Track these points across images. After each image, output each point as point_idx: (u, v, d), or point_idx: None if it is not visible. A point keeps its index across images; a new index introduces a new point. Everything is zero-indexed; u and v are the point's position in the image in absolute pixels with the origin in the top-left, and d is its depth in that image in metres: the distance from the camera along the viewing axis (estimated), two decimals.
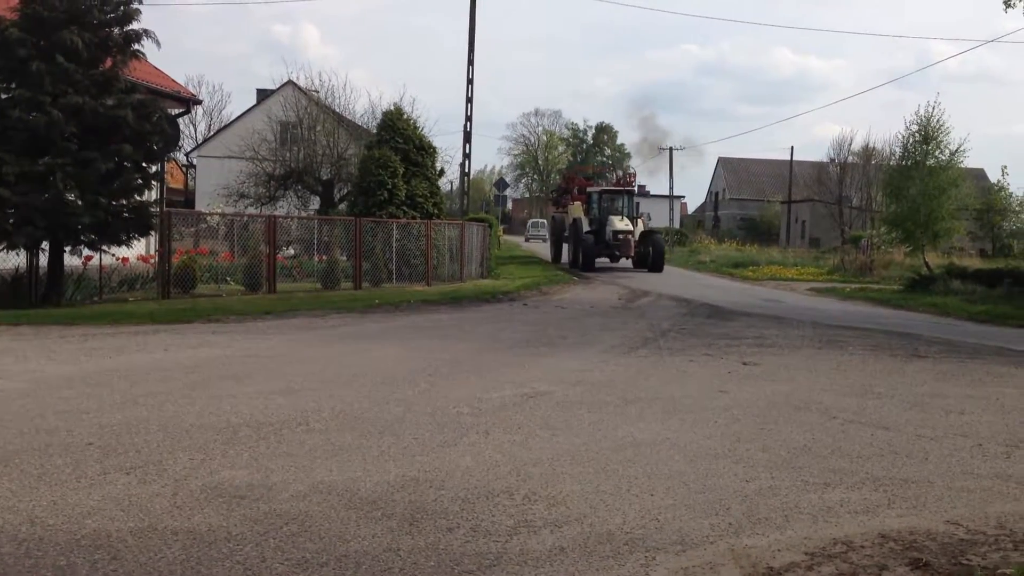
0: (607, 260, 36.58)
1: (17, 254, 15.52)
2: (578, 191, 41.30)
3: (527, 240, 71.34)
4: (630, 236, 35.73)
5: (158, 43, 16.42)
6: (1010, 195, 48.06)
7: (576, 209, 38.22)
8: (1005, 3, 23.03)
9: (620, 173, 60.67)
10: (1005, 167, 33.43)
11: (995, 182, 48.13)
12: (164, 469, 5.95)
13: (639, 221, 37.23)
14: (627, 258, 36.04)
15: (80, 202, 14.74)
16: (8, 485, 5.49)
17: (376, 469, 6.13)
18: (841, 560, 4.79)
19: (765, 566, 4.67)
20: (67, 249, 15.77)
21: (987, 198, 48.00)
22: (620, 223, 35.72)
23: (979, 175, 52.82)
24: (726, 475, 6.29)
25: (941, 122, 31.81)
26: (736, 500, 5.72)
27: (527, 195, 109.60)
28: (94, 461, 6.10)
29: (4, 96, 14.95)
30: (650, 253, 36.31)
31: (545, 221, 68.31)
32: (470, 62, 31.87)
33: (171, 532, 4.83)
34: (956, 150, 31.79)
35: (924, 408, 9.04)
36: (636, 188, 40.86)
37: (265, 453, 6.47)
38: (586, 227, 36.63)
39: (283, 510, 5.23)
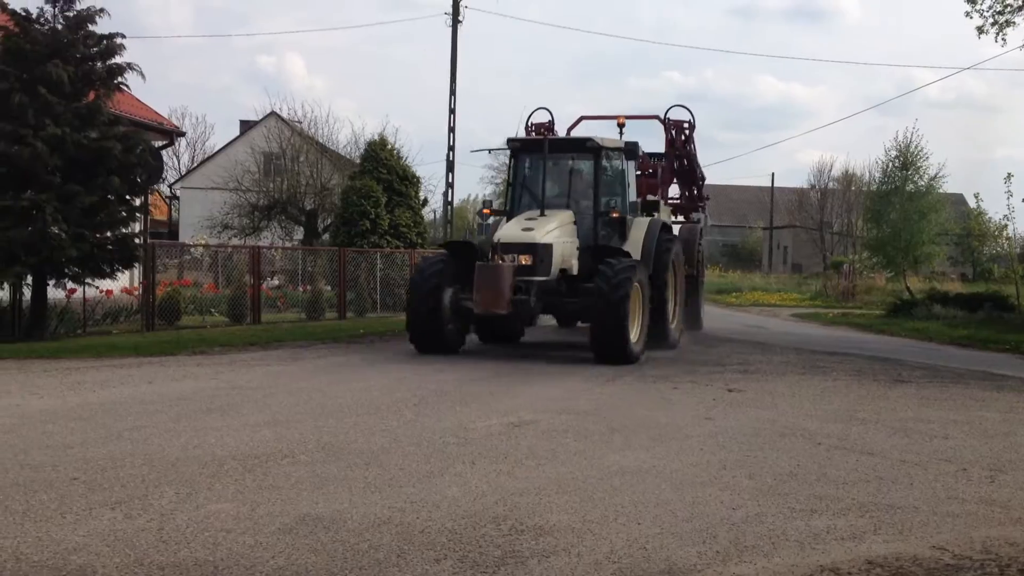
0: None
1: (2, 288, 15.44)
2: None
3: None
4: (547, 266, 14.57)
5: (143, 76, 16.46)
6: (989, 220, 48.43)
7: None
8: (978, 29, 23.38)
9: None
10: (978, 194, 33.93)
11: (974, 207, 48.52)
12: (150, 503, 5.92)
13: (634, 222, 16.39)
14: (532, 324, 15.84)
15: (64, 235, 14.69)
16: None
17: (362, 501, 6.12)
18: None
19: None
20: (51, 282, 15.70)
21: (967, 223, 48.38)
22: (526, 231, 14.76)
23: (958, 200, 53.23)
24: (712, 503, 6.31)
25: (920, 148, 32.20)
26: (723, 528, 5.73)
27: None
28: (79, 496, 6.06)
29: None
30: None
31: None
32: (452, 92, 32.04)
33: (157, 567, 4.80)
34: (935, 176, 32.17)
35: (908, 433, 9.08)
36: (624, 144, 16.77)
37: (251, 486, 6.45)
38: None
39: (269, 543, 5.21)
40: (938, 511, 6.26)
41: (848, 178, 66.22)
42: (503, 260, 14.07)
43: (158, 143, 23.50)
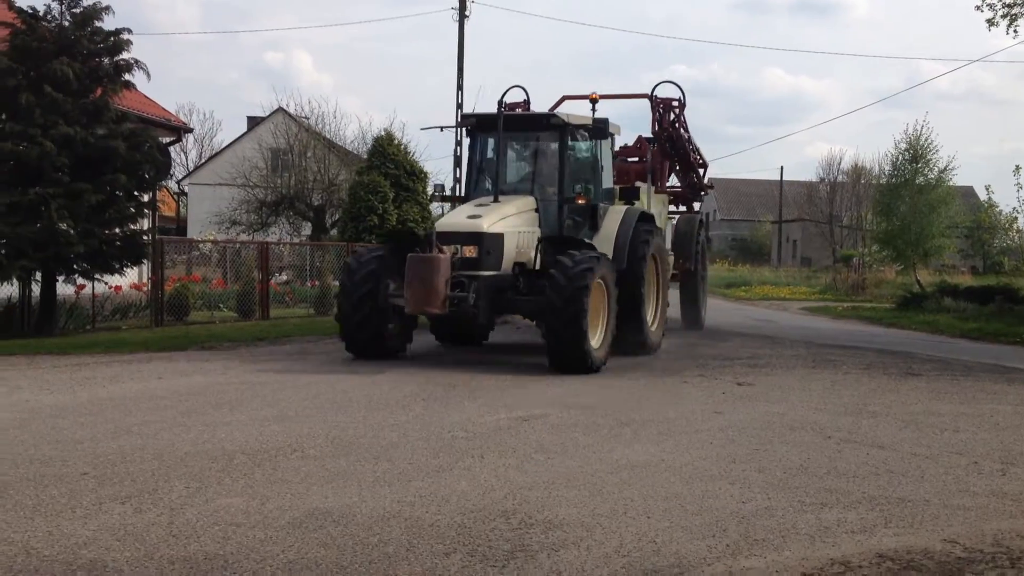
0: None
1: (10, 284, 15.48)
2: None
3: None
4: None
5: (148, 73, 16.45)
6: (999, 212, 48.25)
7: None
8: (988, 22, 23.25)
9: None
10: (989, 186, 33.92)
11: (984, 200, 48.34)
12: (160, 498, 5.93)
13: (608, 210, 14.87)
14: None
15: (72, 232, 14.72)
16: (3, 516, 5.47)
17: (372, 495, 6.12)
18: None
19: None
20: (60, 278, 15.74)
21: (977, 215, 48.23)
22: (469, 219, 13.14)
23: (968, 193, 53.09)
24: (722, 496, 6.29)
25: (930, 140, 32.07)
26: (733, 521, 5.71)
27: None
28: (89, 491, 6.07)
29: None
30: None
31: None
32: (459, 87, 31.97)
33: (167, 561, 4.81)
34: (945, 168, 32.04)
35: (919, 426, 9.05)
36: (591, 122, 14.49)
37: (260, 480, 6.45)
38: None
39: (279, 537, 5.22)
40: (949, 504, 6.24)
41: (857, 171, 66.06)
42: (442, 251, 12.25)
43: (166, 140, 23.53)
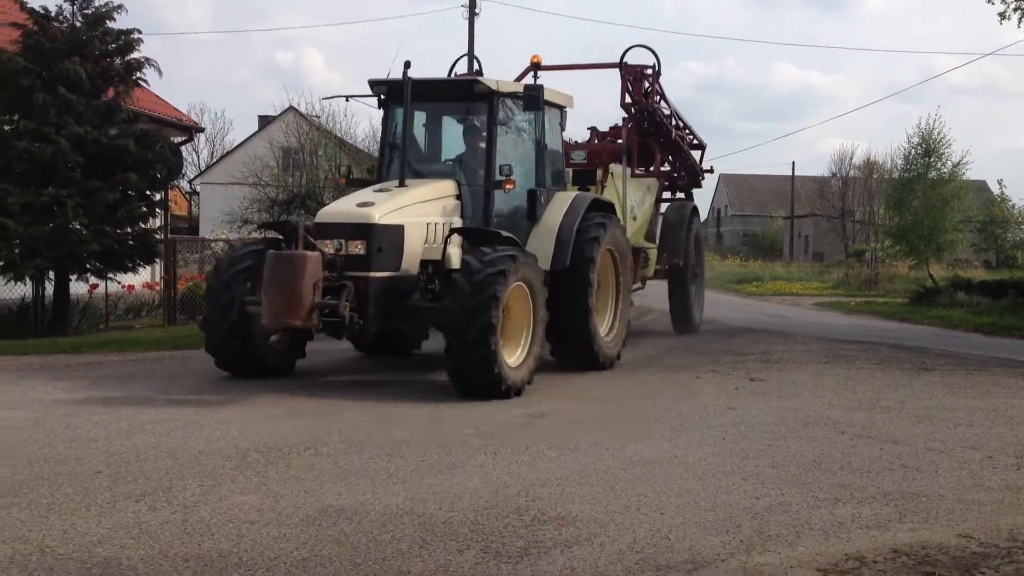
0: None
1: (24, 283, 15.55)
2: None
3: None
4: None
5: (160, 72, 16.52)
6: (1013, 206, 48.08)
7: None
8: (1000, 16, 23.11)
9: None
10: (1001, 180, 33.70)
11: (997, 194, 48.15)
12: (173, 496, 5.95)
13: (550, 198, 12.29)
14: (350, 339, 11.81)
15: (85, 231, 14.78)
16: (18, 515, 5.50)
17: (385, 492, 6.12)
18: (853, 575, 4.77)
19: None
20: (73, 277, 15.81)
21: (990, 209, 48.06)
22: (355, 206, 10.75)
23: (981, 187, 52.91)
24: (736, 492, 6.28)
25: (943, 135, 31.93)
26: (747, 517, 5.70)
27: None
28: (103, 489, 6.10)
29: (7, 127, 15.02)
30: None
31: None
32: None
33: (182, 559, 4.83)
34: (958, 163, 31.90)
35: (933, 421, 9.02)
36: (523, 89, 11.82)
37: (274, 478, 6.47)
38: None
39: (293, 535, 5.23)
40: (964, 499, 6.22)
41: (870, 166, 65.74)
42: (316, 248, 9.82)
43: (177, 139, 23.57)
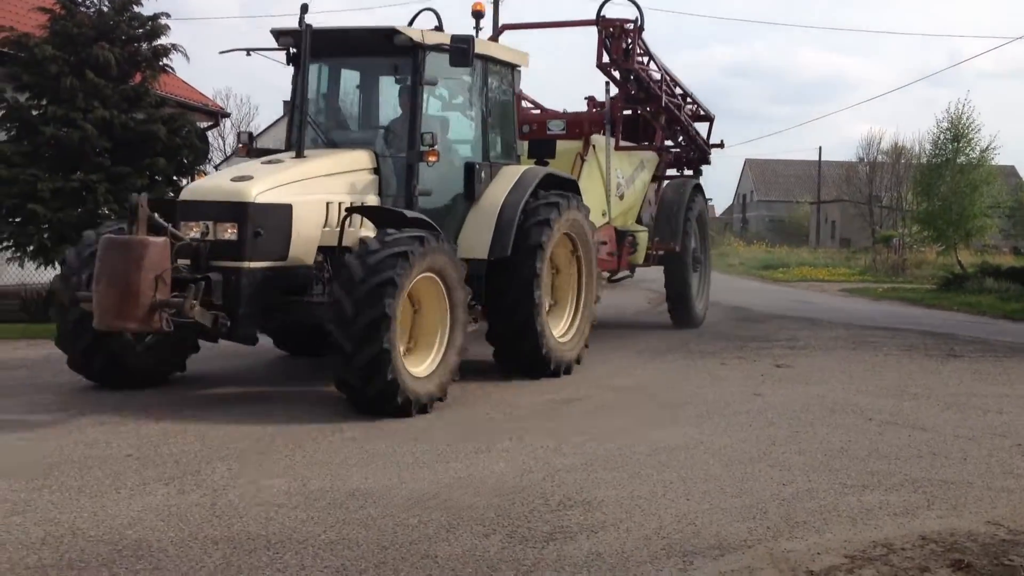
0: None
1: (53, 268, 15.68)
2: None
3: None
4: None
5: (187, 57, 16.62)
6: None
7: None
8: None
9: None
10: None
11: None
12: (202, 479, 6.00)
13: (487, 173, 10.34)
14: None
15: (114, 216, 14.88)
16: (49, 497, 5.56)
17: (410, 476, 6.15)
18: (881, 563, 4.76)
19: (805, 570, 4.65)
20: None
21: (1019, 195, 47.51)
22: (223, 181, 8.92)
23: (1010, 172, 52.38)
24: (762, 479, 6.26)
25: (971, 119, 31.60)
26: (773, 504, 5.69)
27: None
28: (133, 472, 6.15)
29: (36, 112, 15.13)
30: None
31: None
32: None
33: (211, 541, 4.87)
34: (987, 148, 31.58)
35: (961, 408, 8.95)
36: (449, 41, 9.44)
37: (301, 461, 6.51)
38: None
39: (320, 518, 5.26)
40: (993, 486, 6.18)
41: (898, 151, 65.10)
42: (171, 231, 7.94)
43: (203, 124, 23.65)
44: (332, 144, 9.86)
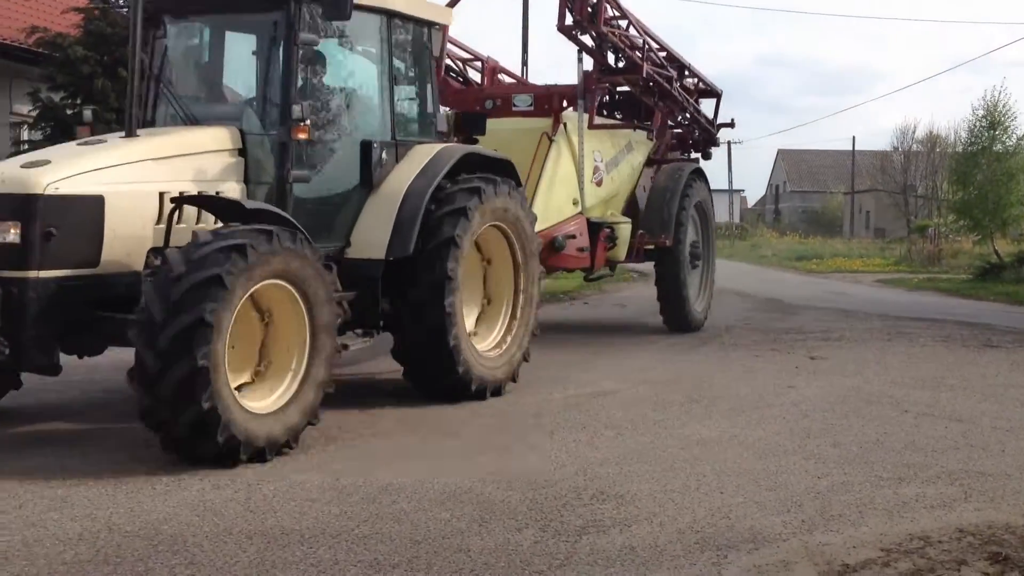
0: None
1: None
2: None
3: None
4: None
5: None
6: None
7: None
8: None
9: None
10: None
11: None
12: (236, 474, 6.03)
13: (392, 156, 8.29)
14: None
15: None
16: (86, 493, 5.61)
17: (442, 471, 6.16)
18: (918, 555, 4.71)
19: (840, 563, 4.61)
20: None
21: None
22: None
23: None
24: (797, 472, 6.22)
25: (1008, 107, 31.19)
26: (808, 497, 5.65)
27: None
28: (168, 468, 6.19)
29: (70, 112, 15.29)
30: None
31: None
32: (524, 63, 31.89)
33: (246, 536, 4.90)
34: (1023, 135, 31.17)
35: (999, 399, 8.84)
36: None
37: (333, 456, 6.54)
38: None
39: (353, 512, 5.28)
40: None
41: (932, 140, 64.42)
42: None
43: None
44: (194, 121, 7.79)
